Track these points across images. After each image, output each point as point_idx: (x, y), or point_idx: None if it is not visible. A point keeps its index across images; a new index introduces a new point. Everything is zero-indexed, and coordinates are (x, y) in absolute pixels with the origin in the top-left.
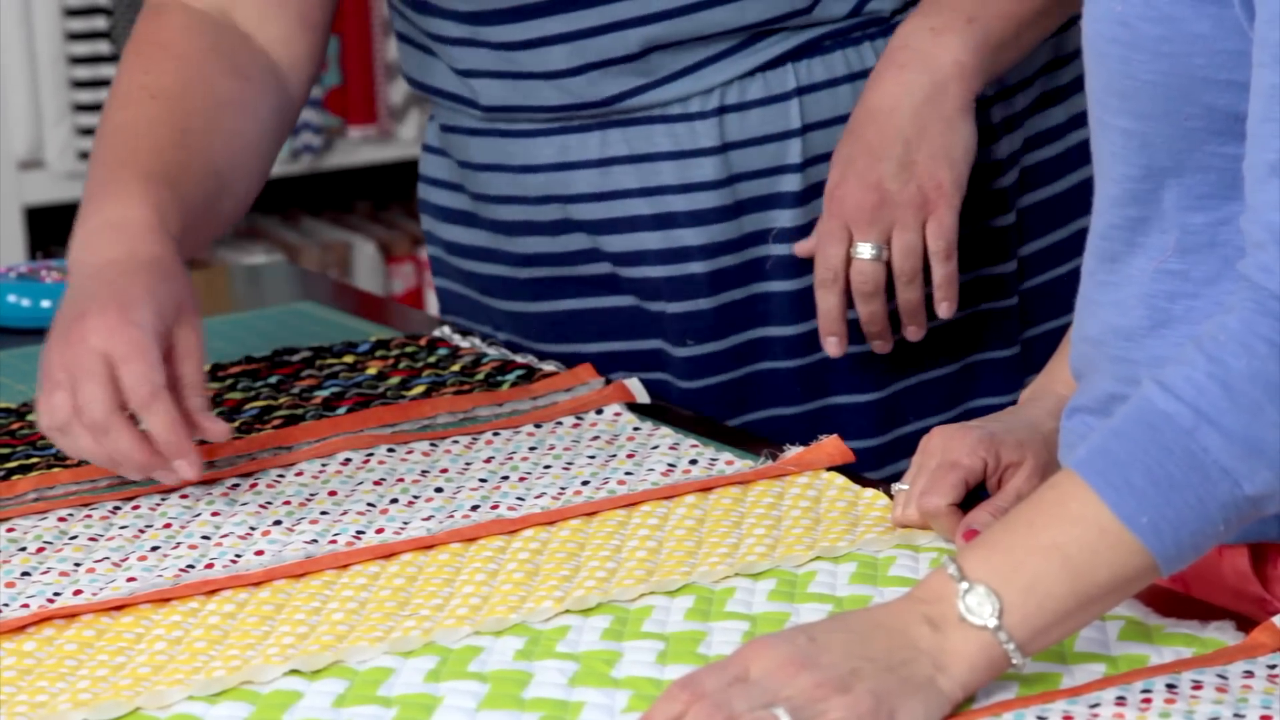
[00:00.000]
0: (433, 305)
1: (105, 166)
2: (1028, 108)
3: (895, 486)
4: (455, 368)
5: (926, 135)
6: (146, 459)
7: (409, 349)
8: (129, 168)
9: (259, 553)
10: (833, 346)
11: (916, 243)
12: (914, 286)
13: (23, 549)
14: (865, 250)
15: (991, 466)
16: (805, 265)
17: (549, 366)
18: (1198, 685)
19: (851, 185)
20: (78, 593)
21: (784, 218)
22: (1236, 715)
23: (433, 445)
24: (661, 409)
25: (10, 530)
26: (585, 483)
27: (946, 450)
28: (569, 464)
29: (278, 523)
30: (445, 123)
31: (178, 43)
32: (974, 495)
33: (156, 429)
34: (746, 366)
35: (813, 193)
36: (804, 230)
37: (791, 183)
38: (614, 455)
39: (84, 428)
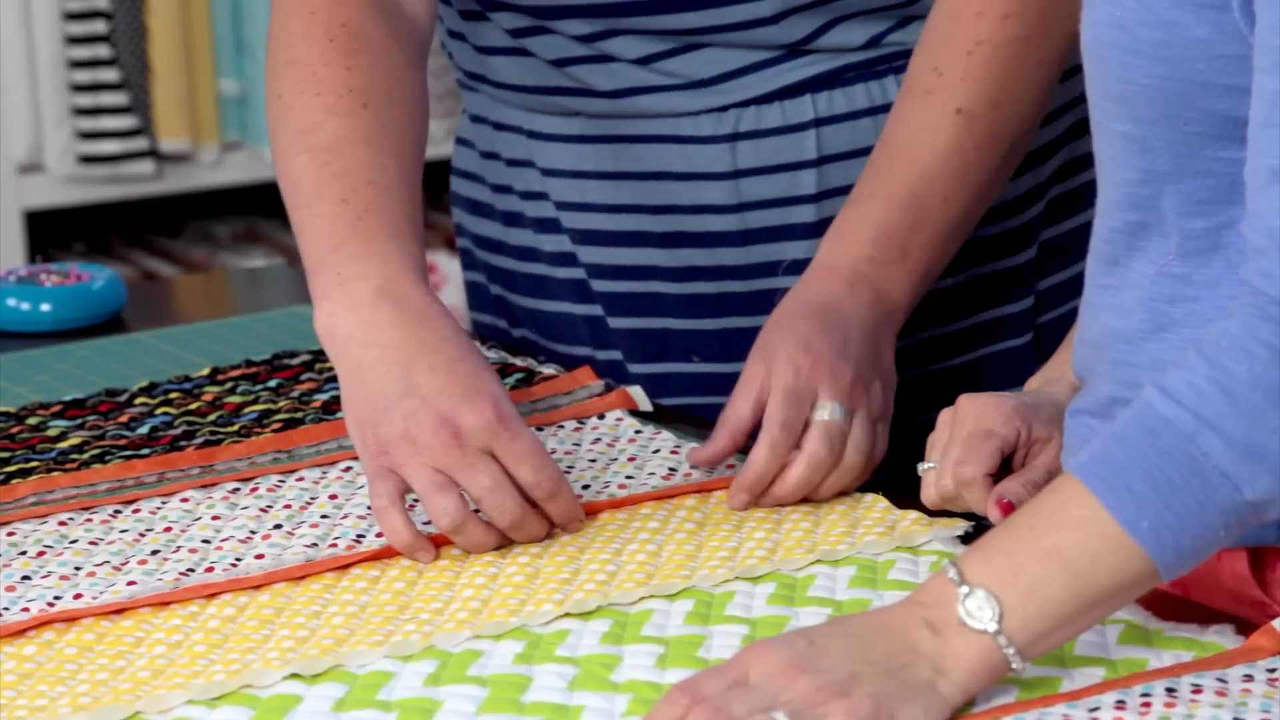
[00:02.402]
0: None
1: (347, 208)
2: (1057, 139)
3: (922, 467)
4: None
5: (881, 357)
6: (542, 537)
7: None
8: (374, 217)
9: (259, 556)
10: (742, 502)
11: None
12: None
13: (23, 553)
14: (836, 411)
15: (1023, 438)
16: None
17: (549, 369)
18: (1197, 689)
19: (828, 354)
20: (78, 596)
21: (797, 249)
22: (1236, 719)
23: None
24: (663, 414)
25: (10, 534)
26: (586, 486)
27: (980, 418)
28: (569, 468)
29: (278, 526)
30: (474, 113)
31: (367, 27)
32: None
33: (563, 510)
34: None
35: (826, 226)
36: None
37: (806, 214)
38: (614, 459)
39: (481, 524)
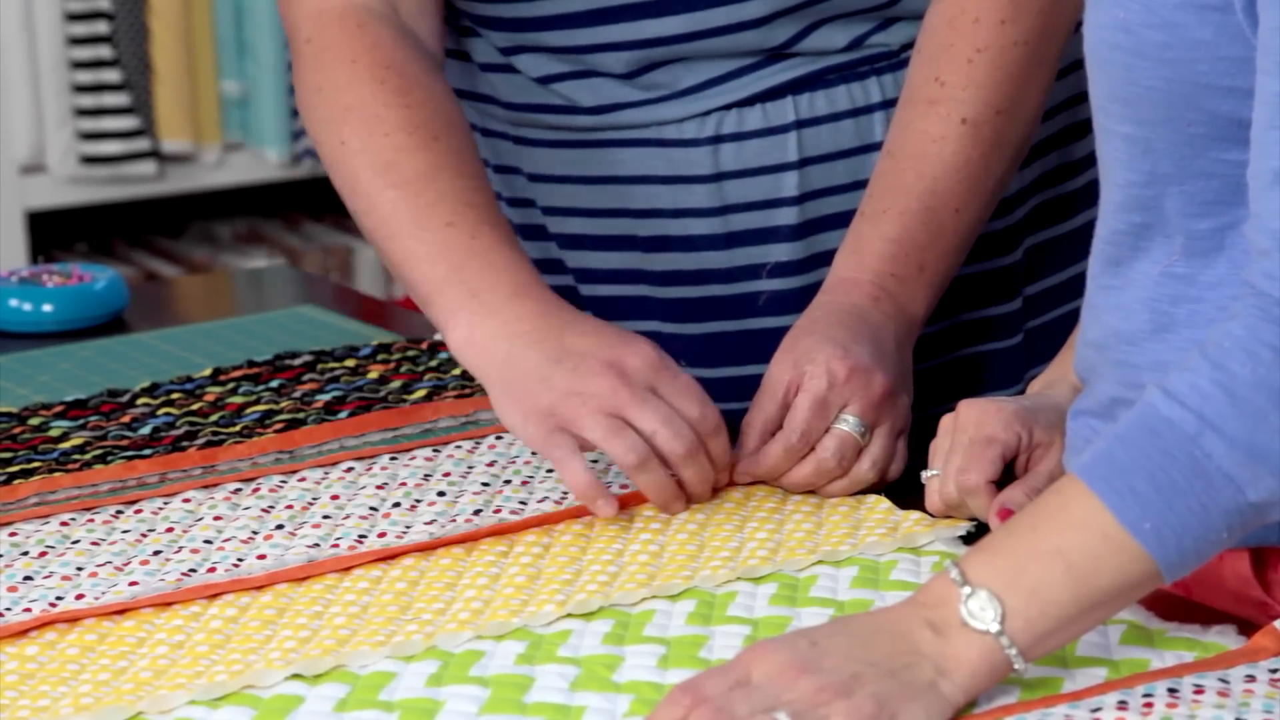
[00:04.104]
0: None
1: (456, 230)
2: (1044, 141)
3: (925, 475)
4: (457, 371)
5: (906, 369)
6: (710, 482)
7: (411, 353)
8: (486, 235)
9: (261, 556)
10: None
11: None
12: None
13: (25, 553)
14: (856, 425)
15: (1024, 443)
16: (801, 302)
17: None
18: (1199, 689)
19: (864, 362)
20: (80, 597)
21: (779, 252)
22: (1238, 719)
23: (435, 450)
24: None
25: (13, 534)
26: None
27: (980, 425)
28: None
29: (280, 527)
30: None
31: (408, 65)
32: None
33: (722, 450)
34: (738, 402)
35: (809, 228)
36: (799, 265)
37: (788, 216)
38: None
39: (659, 462)
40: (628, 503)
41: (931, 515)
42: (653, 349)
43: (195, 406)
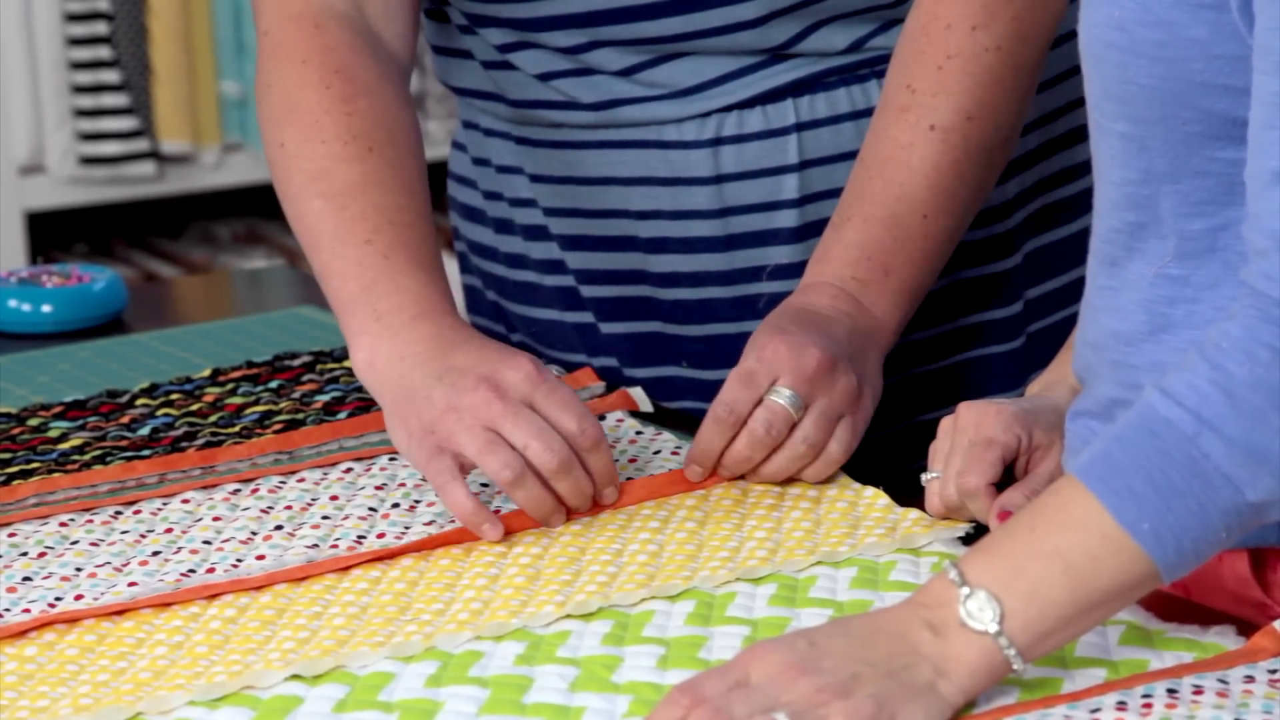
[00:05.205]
0: None
1: (372, 248)
2: (1045, 145)
3: (925, 477)
4: None
5: (865, 360)
6: (588, 496)
7: None
8: (400, 255)
9: (260, 557)
10: (695, 474)
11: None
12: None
13: (24, 554)
14: (787, 397)
15: (1024, 445)
16: None
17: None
18: (1198, 690)
19: (797, 338)
20: (79, 597)
21: (779, 254)
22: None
23: None
24: (664, 416)
25: (12, 535)
26: None
27: (980, 427)
28: None
29: (279, 527)
30: (465, 119)
31: (360, 71)
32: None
33: (603, 465)
34: None
35: (809, 231)
36: (800, 268)
37: (788, 219)
38: (615, 460)
39: (535, 477)
40: (510, 524)
41: (932, 517)
42: (531, 363)
43: (194, 407)
